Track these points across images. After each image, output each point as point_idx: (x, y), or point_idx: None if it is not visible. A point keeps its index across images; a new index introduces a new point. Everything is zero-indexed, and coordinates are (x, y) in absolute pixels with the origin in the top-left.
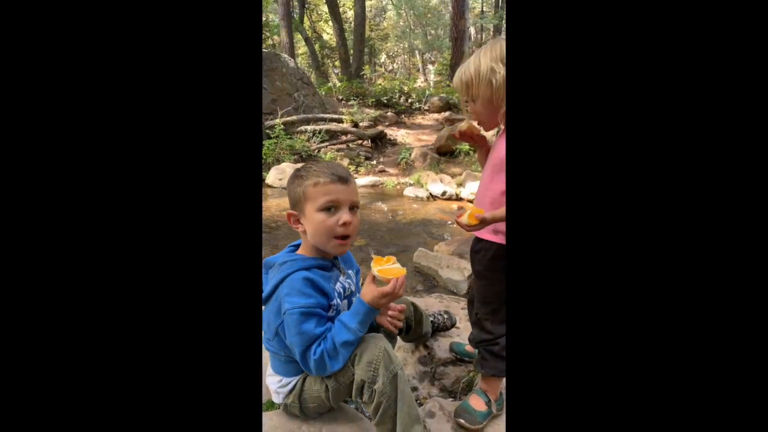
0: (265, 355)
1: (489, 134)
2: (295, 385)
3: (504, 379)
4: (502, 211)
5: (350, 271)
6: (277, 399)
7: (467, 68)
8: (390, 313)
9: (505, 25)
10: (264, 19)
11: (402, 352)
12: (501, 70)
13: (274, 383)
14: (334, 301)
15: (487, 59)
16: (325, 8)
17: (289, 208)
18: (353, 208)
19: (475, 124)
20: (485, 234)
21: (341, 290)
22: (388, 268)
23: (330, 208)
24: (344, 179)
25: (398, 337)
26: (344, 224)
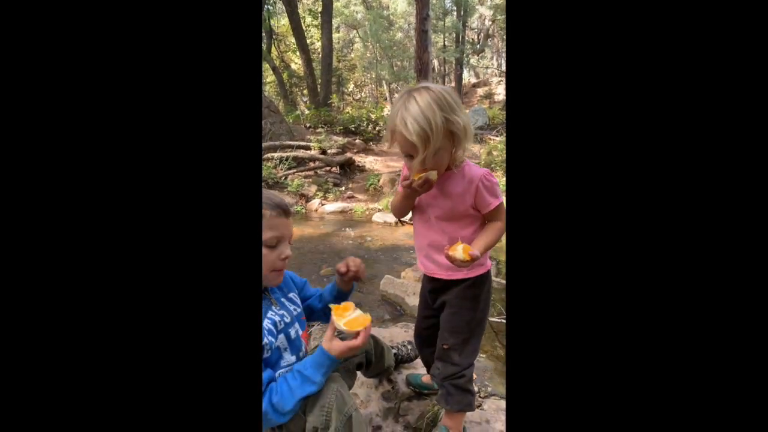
0: None
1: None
2: None
3: (466, 413)
4: (482, 241)
5: (286, 298)
6: None
7: (419, 123)
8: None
9: (466, 58)
10: None
11: (365, 388)
12: (458, 117)
13: None
14: (264, 341)
15: (437, 110)
16: (293, 39)
17: None
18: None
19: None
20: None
21: (271, 326)
22: (352, 318)
23: (275, 243)
24: (288, 212)
25: (359, 372)
26: (285, 258)
